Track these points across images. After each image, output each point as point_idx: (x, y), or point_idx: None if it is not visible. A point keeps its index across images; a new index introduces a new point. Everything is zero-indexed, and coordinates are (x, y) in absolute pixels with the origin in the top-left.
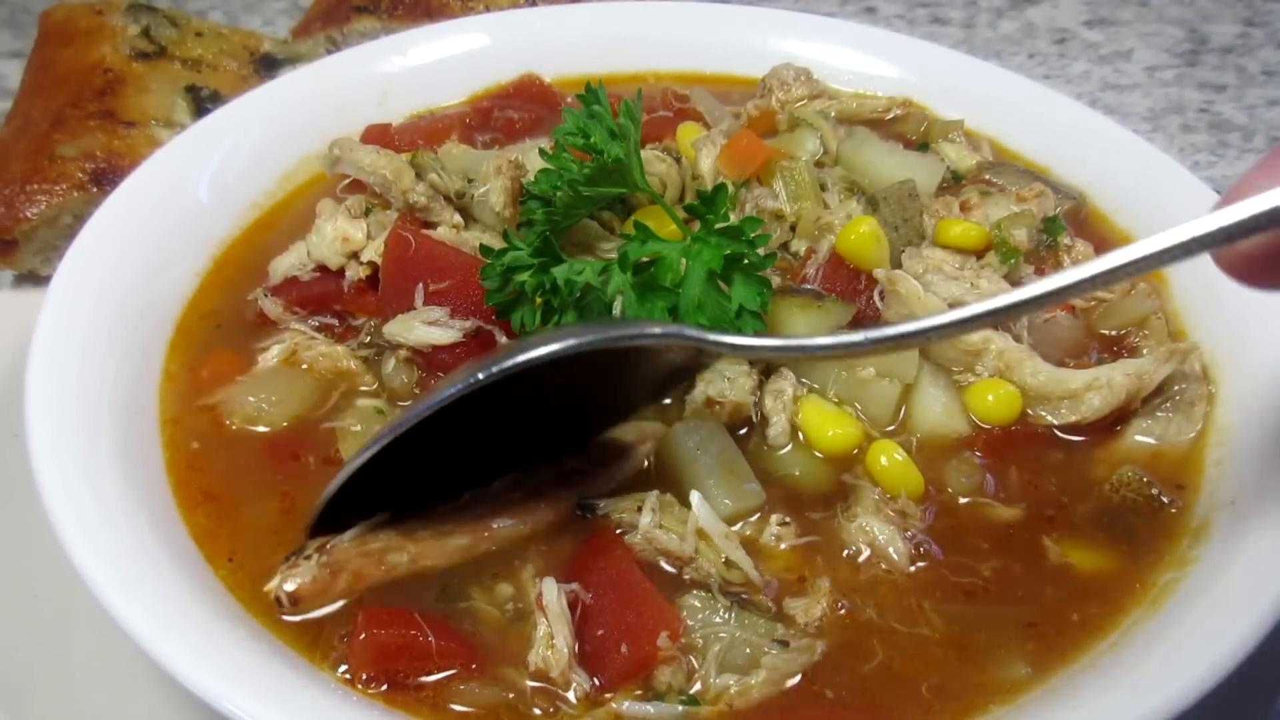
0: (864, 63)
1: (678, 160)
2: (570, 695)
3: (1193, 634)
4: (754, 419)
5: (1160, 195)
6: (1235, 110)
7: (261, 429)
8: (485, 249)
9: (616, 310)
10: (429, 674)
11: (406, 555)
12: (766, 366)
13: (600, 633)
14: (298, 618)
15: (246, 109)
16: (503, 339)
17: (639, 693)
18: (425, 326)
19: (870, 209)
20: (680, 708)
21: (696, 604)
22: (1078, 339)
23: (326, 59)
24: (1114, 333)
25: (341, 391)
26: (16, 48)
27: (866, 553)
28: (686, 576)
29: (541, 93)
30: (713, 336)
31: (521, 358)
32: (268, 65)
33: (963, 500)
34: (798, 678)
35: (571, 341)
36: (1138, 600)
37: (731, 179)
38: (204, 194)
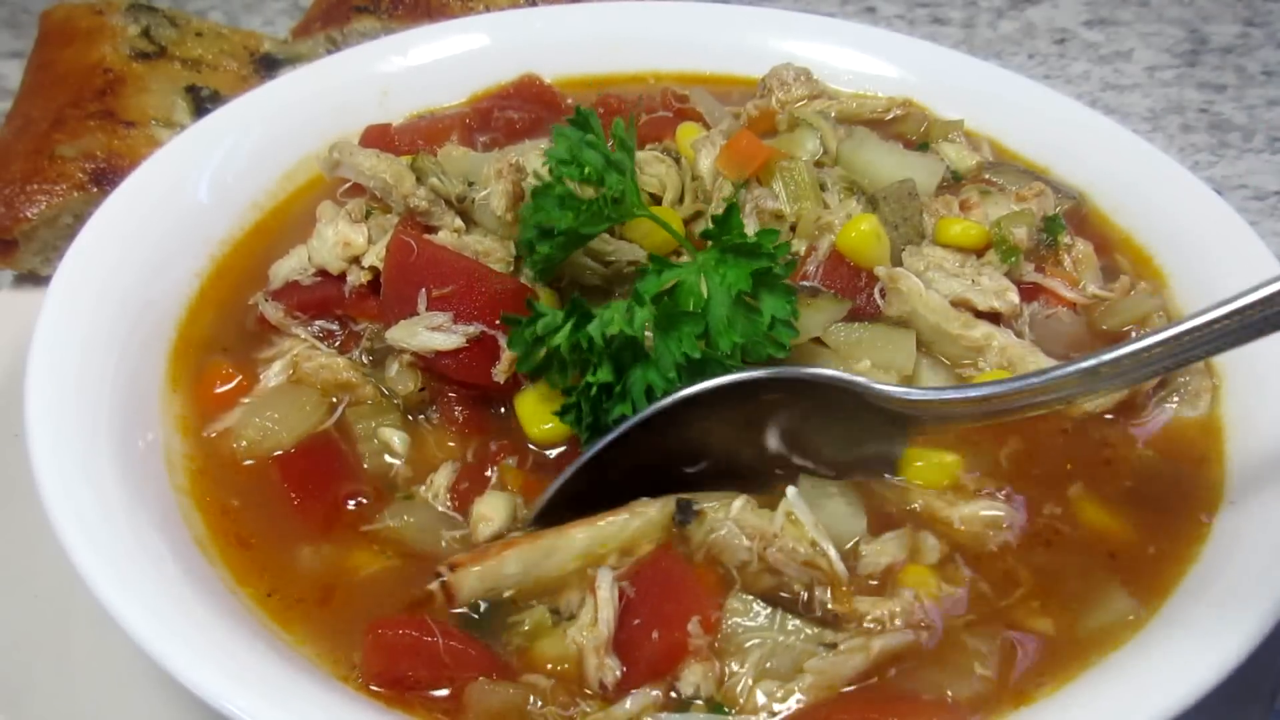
0: (864, 63)
1: (677, 161)
2: (594, 684)
3: (1193, 633)
4: None
5: (1160, 195)
6: (1235, 110)
7: (271, 447)
8: (508, 318)
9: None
10: (442, 683)
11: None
12: None
13: (636, 622)
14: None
15: (246, 109)
16: (505, 344)
17: (662, 698)
18: (428, 332)
19: (870, 208)
20: (712, 716)
21: (738, 605)
22: (1079, 335)
23: (326, 59)
24: (1116, 330)
25: (345, 403)
26: (16, 48)
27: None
28: (752, 567)
29: (541, 93)
30: (883, 388)
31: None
32: (268, 65)
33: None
34: (850, 686)
35: (759, 374)
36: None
37: (731, 179)
38: (204, 194)
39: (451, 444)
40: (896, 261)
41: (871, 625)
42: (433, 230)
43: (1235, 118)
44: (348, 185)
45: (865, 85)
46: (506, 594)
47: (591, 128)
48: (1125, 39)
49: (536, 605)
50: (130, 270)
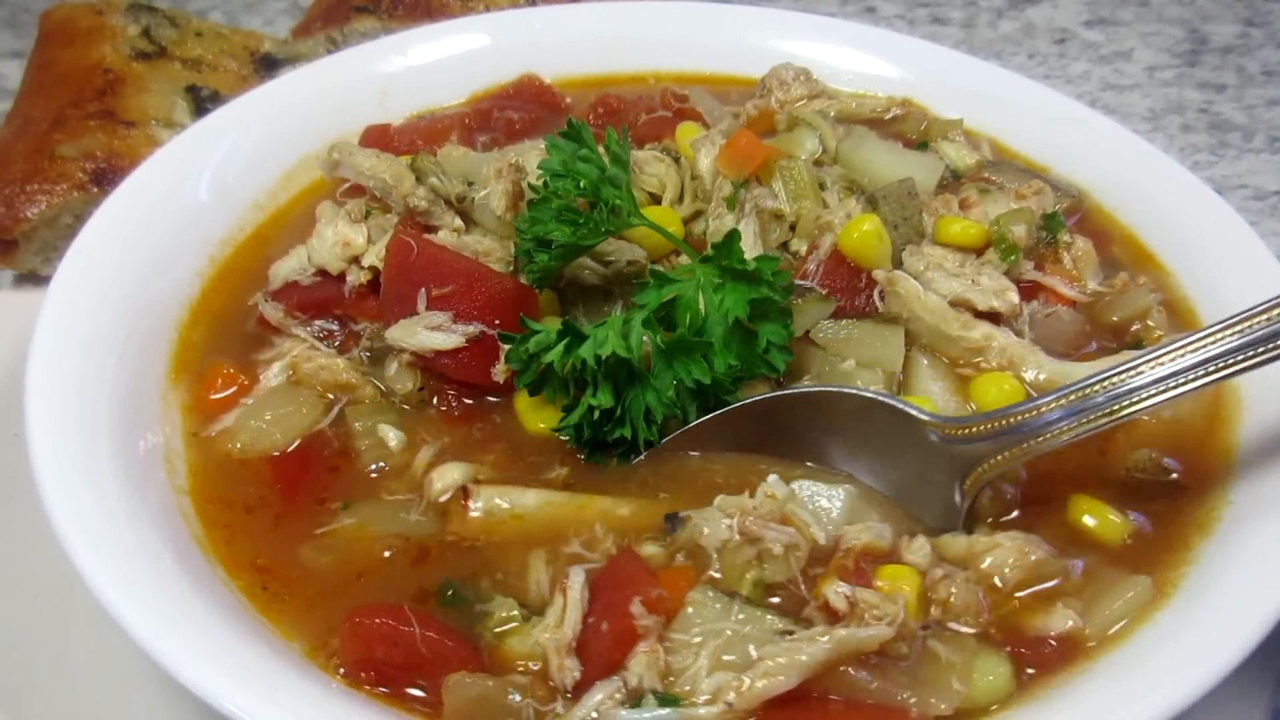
0: (864, 63)
1: (676, 160)
2: (560, 684)
3: (1193, 633)
4: None
5: (1160, 195)
6: (1235, 110)
7: (267, 448)
8: (504, 336)
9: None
10: (418, 672)
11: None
12: None
13: (591, 619)
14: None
15: (246, 109)
16: (505, 344)
17: (621, 695)
18: (428, 331)
19: (870, 208)
20: (666, 709)
21: (698, 597)
22: (1079, 332)
23: (326, 59)
24: (1115, 326)
25: (343, 402)
26: (16, 48)
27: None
28: (733, 543)
29: (541, 93)
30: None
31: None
32: (268, 65)
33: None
34: (801, 674)
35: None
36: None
37: (730, 178)
38: (204, 194)
39: (446, 440)
40: (897, 261)
41: (841, 607)
42: (432, 230)
43: (1235, 118)
44: (347, 185)
45: (865, 85)
46: (483, 583)
47: (584, 141)
48: (1125, 39)
49: (502, 598)
50: (130, 270)
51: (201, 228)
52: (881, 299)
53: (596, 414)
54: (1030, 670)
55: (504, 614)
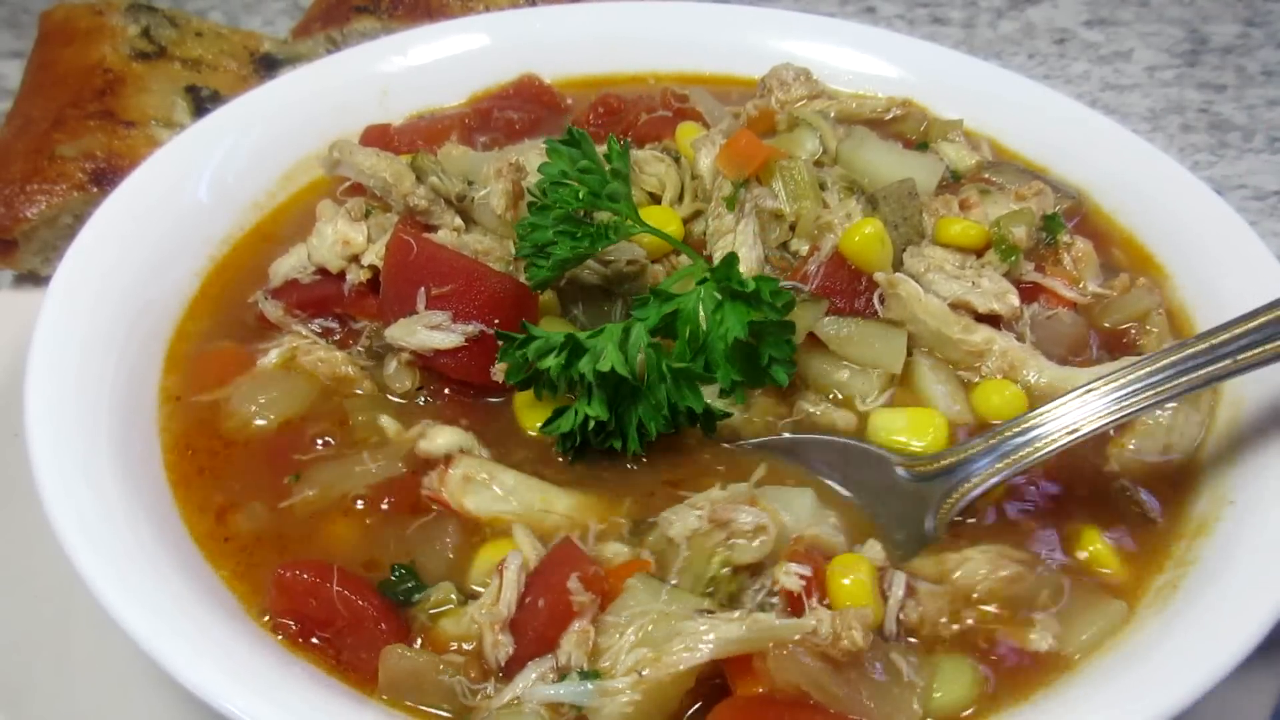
0: (864, 63)
1: (676, 160)
2: (492, 662)
3: (1192, 634)
4: None
5: (1160, 195)
6: (1235, 110)
7: (259, 424)
8: (501, 334)
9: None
10: (336, 628)
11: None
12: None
13: (528, 599)
14: None
15: (246, 109)
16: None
17: (552, 673)
18: (427, 330)
19: (870, 208)
20: (584, 684)
21: (636, 584)
22: (1079, 335)
23: (326, 59)
24: (1116, 327)
25: (341, 396)
26: (16, 48)
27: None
28: (703, 529)
29: (541, 93)
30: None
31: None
32: (268, 65)
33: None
34: (716, 651)
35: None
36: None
37: (730, 178)
38: (204, 194)
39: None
40: (897, 263)
41: (794, 587)
42: (432, 229)
43: (1235, 118)
44: (348, 184)
45: (865, 85)
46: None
47: (585, 150)
48: (1125, 39)
49: (444, 582)
50: (130, 270)
51: (201, 228)
52: (881, 302)
53: (591, 424)
54: (1004, 677)
55: (440, 596)
